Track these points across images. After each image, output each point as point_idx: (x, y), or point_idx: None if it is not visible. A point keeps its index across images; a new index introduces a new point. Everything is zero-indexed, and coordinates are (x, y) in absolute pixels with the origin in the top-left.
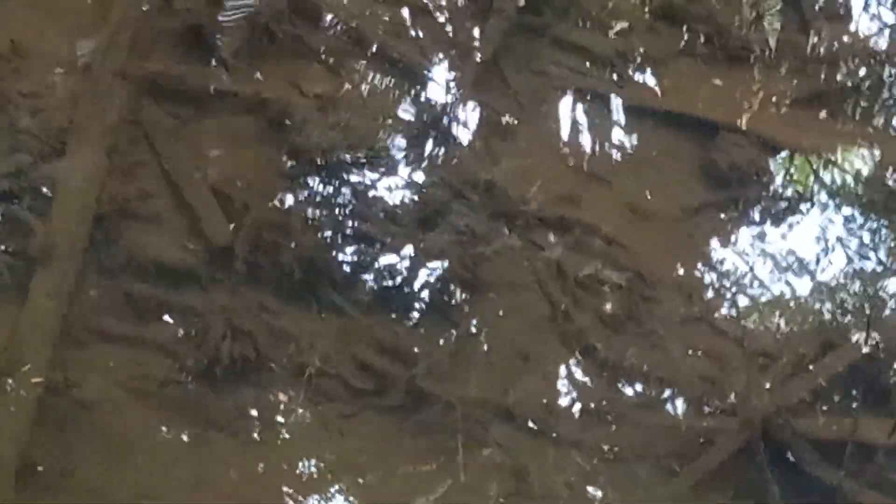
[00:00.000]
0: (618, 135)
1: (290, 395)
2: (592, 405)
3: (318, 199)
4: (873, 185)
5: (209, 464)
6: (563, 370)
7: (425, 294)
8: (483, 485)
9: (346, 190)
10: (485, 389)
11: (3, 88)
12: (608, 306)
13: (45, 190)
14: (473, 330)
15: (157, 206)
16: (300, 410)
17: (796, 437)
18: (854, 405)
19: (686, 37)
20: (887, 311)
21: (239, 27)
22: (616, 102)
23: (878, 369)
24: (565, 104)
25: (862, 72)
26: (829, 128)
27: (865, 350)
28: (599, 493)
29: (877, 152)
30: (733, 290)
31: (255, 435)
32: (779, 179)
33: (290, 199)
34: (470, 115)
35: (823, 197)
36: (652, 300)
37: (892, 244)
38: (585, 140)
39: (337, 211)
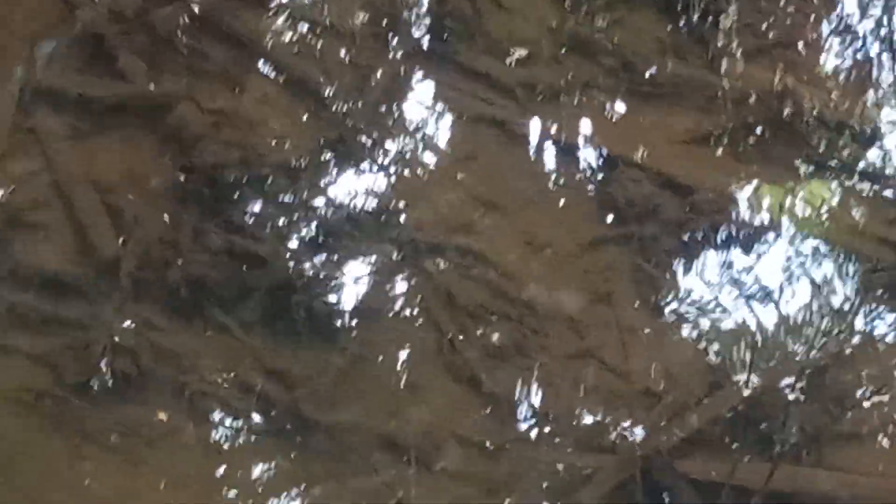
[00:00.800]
0: (516, 165)
1: (170, 413)
2: (475, 437)
3: (208, 216)
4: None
5: (87, 478)
6: (447, 400)
7: (312, 317)
8: None
9: (237, 208)
10: (368, 417)
11: None
12: (496, 337)
13: None
14: (359, 356)
15: (46, 217)
16: (180, 429)
17: (675, 477)
18: (734, 447)
19: (591, 69)
20: (769, 354)
21: (139, 39)
22: (516, 132)
23: (760, 413)
24: (465, 131)
25: (764, 110)
26: (728, 165)
27: (747, 393)
28: None
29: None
30: (623, 326)
31: (134, 452)
32: (675, 215)
33: (180, 216)
34: (367, 137)
35: (721, 235)
36: (541, 333)
37: (787, 287)
38: (483, 168)
39: (226, 229)
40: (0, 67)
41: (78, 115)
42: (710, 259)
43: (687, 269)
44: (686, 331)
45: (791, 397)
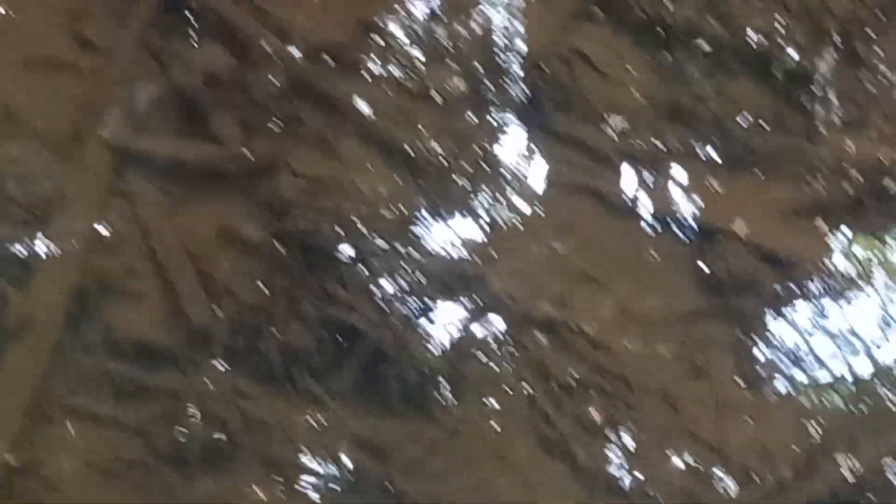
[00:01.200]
0: (613, 234)
1: (261, 484)
2: None
3: (302, 283)
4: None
5: None
6: (540, 474)
7: (405, 388)
8: None
9: (331, 275)
10: (460, 490)
11: None
12: (591, 411)
13: (25, 260)
14: (452, 427)
15: (138, 283)
16: (271, 500)
17: None
18: None
19: (689, 138)
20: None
21: (233, 102)
22: (613, 201)
23: (861, 495)
24: (561, 200)
25: (863, 182)
26: (828, 237)
27: (847, 473)
28: None
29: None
30: (720, 400)
31: None
32: (774, 287)
33: (274, 283)
34: (462, 205)
35: (821, 308)
36: (636, 407)
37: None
38: (579, 238)
39: (320, 297)
40: (91, 127)
41: (170, 178)
42: (811, 333)
43: (786, 343)
44: (785, 407)
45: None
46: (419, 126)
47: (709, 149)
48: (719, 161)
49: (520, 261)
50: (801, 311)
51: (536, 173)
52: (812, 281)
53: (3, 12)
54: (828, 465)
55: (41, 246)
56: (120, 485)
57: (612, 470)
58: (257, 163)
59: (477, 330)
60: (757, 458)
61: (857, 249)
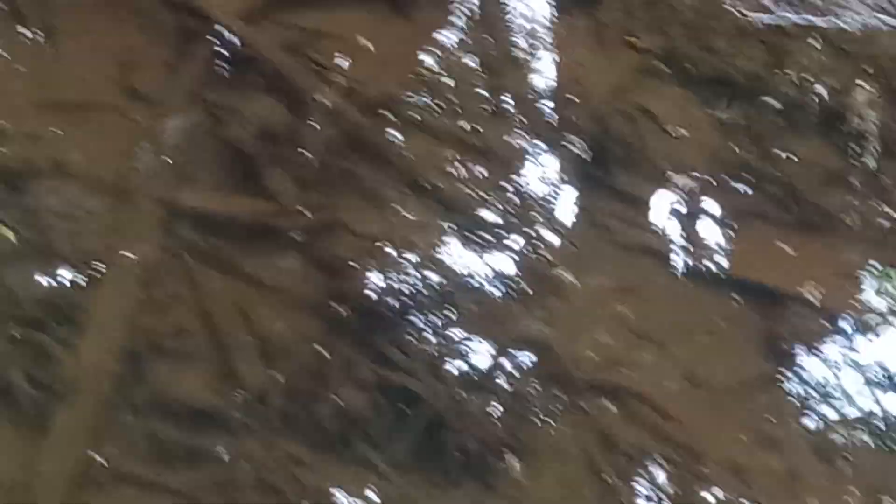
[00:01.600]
0: (677, 297)
1: None
2: None
3: (359, 346)
4: None
5: None
6: None
7: (465, 456)
8: None
9: (389, 340)
10: None
11: (39, 208)
12: (657, 482)
13: (74, 319)
14: (514, 498)
15: (190, 344)
16: None
17: None
18: None
19: (757, 199)
20: None
21: (289, 159)
22: (676, 262)
23: None
24: (623, 261)
25: None
26: None
27: None
28: None
29: None
30: (792, 472)
31: None
32: (845, 353)
33: (330, 346)
34: (522, 265)
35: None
36: (704, 478)
37: None
38: (642, 300)
39: (378, 361)
40: (144, 183)
41: (223, 235)
42: (886, 401)
43: (860, 412)
44: (859, 479)
45: None
46: (477, 182)
47: (778, 209)
48: (789, 222)
49: (583, 324)
50: (876, 377)
51: (598, 233)
52: None
53: (55, 60)
54: None
55: (90, 304)
56: None
57: None
58: (312, 220)
59: (539, 396)
60: None
61: None
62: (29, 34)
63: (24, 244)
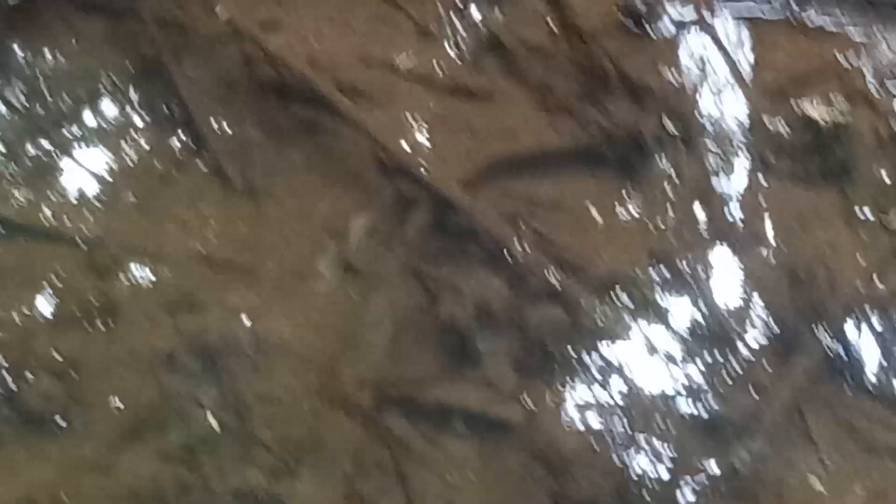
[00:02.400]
0: None
1: None
2: None
3: None
4: None
5: None
6: None
7: None
8: None
9: None
10: None
11: (238, 388)
12: None
13: None
14: None
15: None
16: None
17: None
18: None
19: None
20: None
21: (510, 342)
22: None
23: None
24: (874, 466)
25: None
26: None
27: None
28: None
29: None
30: None
31: None
32: None
33: None
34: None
35: None
36: None
37: None
38: None
39: None
40: (352, 363)
41: (435, 425)
42: None
43: None
44: None
45: None
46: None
47: None
48: None
49: None
50: None
51: (845, 435)
52: None
53: (258, 225)
54: None
55: (290, 497)
56: None
57: None
58: (534, 412)
59: None
60: None
61: None
62: (232, 195)
63: (223, 428)
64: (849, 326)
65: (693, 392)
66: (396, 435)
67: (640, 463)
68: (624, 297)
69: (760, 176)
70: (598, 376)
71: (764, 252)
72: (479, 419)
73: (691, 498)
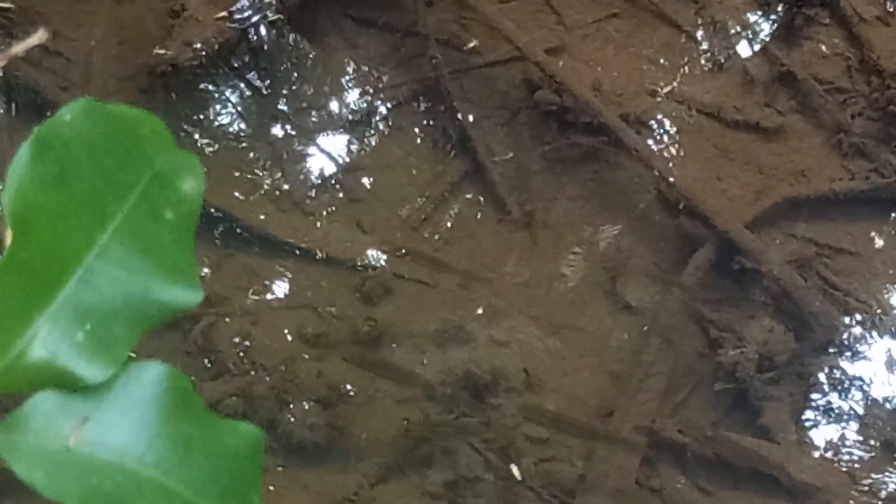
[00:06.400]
0: None
1: None
2: None
3: None
4: None
5: None
6: None
7: None
8: None
9: None
10: None
11: (505, 427)
12: None
13: None
14: None
15: None
16: None
17: None
18: None
19: None
20: None
21: (793, 395)
22: None
23: None
24: None
25: None
26: None
27: None
28: None
29: None
30: None
31: None
32: None
33: None
34: None
35: None
36: None
37: None
38: None
39: None
40: (627, 406)
41: (710, 475)
42: None
43: None
44: None
45: None
46: None
47: None
48: None
49: None
50: None
51: None
52: None
53: (532, 257)
54: None
55: None
56: None
57: None
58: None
59: None
60: None
61: None
62: (507, 222)
63: (489, 469)
64: None
65: None
66: (667, 483)
67: None
68: None
69: None
70: None
71: None
72: (755, 474)
73: None
